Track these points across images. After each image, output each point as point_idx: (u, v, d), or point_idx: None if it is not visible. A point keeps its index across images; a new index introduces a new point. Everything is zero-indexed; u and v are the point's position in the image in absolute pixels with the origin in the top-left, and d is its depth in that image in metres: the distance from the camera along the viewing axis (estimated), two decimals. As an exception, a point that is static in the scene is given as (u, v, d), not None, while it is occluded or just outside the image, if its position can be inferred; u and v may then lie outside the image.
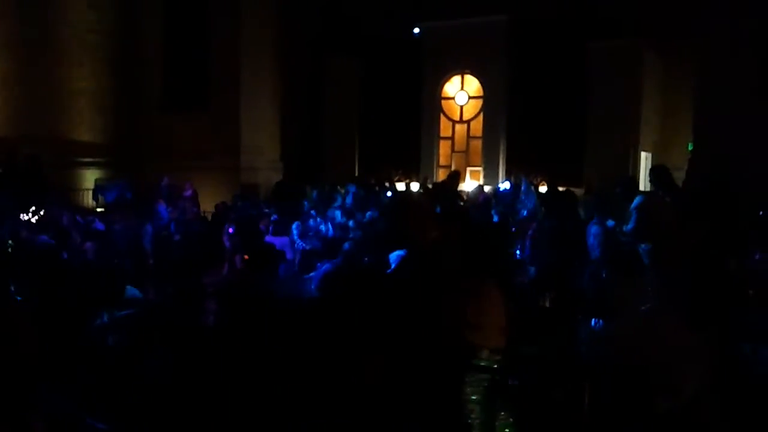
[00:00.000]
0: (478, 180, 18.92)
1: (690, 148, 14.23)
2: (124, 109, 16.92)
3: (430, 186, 15.38)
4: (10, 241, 8.78)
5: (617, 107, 17.64)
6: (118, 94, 16.83)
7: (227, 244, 9.32)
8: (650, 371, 3.54)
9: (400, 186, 17.53)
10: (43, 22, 14.94)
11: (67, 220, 10.09)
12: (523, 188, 14.05)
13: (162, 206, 12.54)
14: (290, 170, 18.37)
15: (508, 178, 16.81)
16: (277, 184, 16.93)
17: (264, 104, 17.72)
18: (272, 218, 11.07)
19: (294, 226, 10.72)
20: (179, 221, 11.70)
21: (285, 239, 10.04)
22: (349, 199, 13.57)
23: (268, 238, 9.97)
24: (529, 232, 9.76)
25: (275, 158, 18.32)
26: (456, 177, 12.66)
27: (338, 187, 15.11)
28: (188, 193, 14.40)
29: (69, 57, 15.67)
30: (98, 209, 13.88)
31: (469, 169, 19.96)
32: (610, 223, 7.20)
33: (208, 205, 13.91)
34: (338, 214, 11.78)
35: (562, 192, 13.57)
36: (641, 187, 15.73)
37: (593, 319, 5.81)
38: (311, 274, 8.22)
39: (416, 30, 19.93)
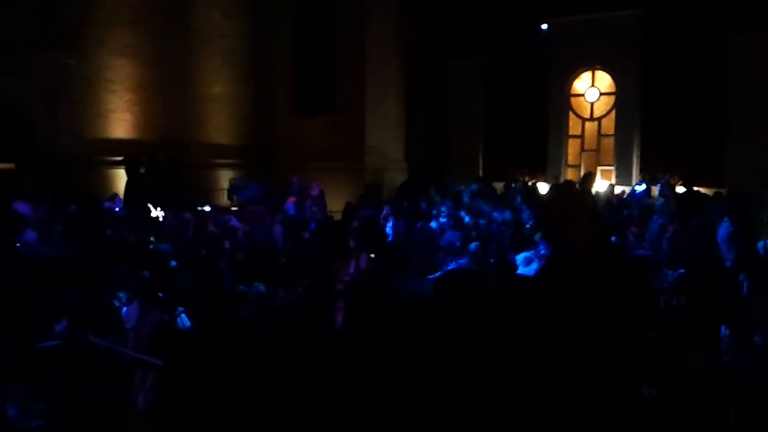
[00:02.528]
0: (610, 180, 18.16)
1: None
2: (256, 113, 17.59)
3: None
4: (152, 238, 9.34)
5: (762, 103, 16.34)
6: (250, 98, 17.52)
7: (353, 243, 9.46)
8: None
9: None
10: (181, 30, 15.81)
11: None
12: (658, 189, 13.39)
13: (291, 205, 12.94)
14: (415, 171, 18.42)
15: (643, 179, 16.00)
16: (402, 184, 17.04)
17: (389, 106, 17.89)
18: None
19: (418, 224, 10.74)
20: (308, 221, 12.02)
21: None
22: (467, 199, 13.42)
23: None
24: (667, 235, 9.26)
25: (400, 159, 18.45)
26: (589, 178, 12.24)
27: (461, 186, 14.97)
28: (315, 192, 14.75)
29: (205, 63, 16.51)
30: (233, 208, 14.48)
31: (600, 168, 19.20)
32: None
33: (333, 205, 14.18)
34: (462, 213, 11.65)
35: (701, 193, 12.83)
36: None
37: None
38: (436, 274, 8.17)
39: (544, 26, 19.42)
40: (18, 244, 8.39)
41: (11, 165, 14.50)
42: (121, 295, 5.97)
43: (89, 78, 14.76)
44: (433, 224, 10.60)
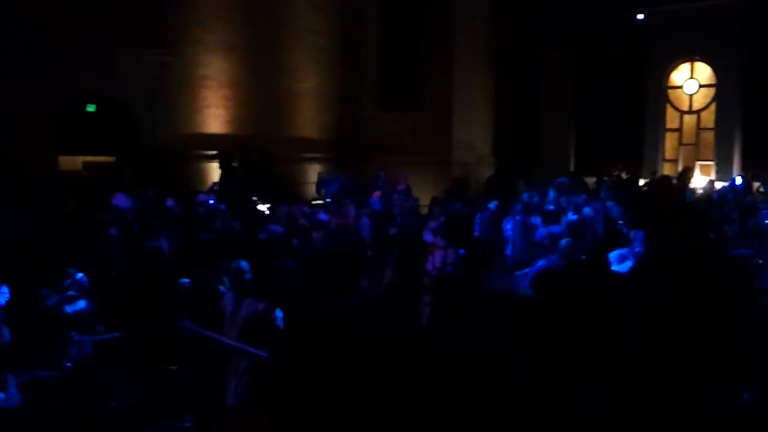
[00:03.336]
0: (709, 175, 17.39)
1: None
2: (344, 108, 17.80)
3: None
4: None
5: None
6: (339, 93, 17.74)
7: (429, 238, 9.44)
8: None
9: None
10: (273, 27, 16.17)
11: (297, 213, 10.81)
12: (758, 185, 12.75)
13: (377, 199, 13.01)
14: (502, 165, 18.19)
15: (743, 175, 15.22)
16: (488, 178, 16.87)
17: (477, 100, 17.73)
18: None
19: (504, 221, 10.57)
20: (395, 215, 12.05)
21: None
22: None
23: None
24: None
25: (487, 153, 18.25)
26: (687, 173, 11.76)
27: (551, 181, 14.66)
28: (401, 187, 14.77)
29: (296, 59, 16.82)
30: (320, 201, 14.69)
31: (699, 163, 18.42)
32: None
33: (419, 199, 14.16)
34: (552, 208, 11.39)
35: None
36: None
37: None
38: (525, 270, 8.04)
39: (640, 16, 18.76)
40: (116, 234, 8.76)
41: (113, 158, 15.21)
42: (225, 279, 6.16)
43: (186, 75, 15.27)
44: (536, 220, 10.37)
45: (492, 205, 11.49)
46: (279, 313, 5.47)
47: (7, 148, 11.99)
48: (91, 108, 14.42)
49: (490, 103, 18.25)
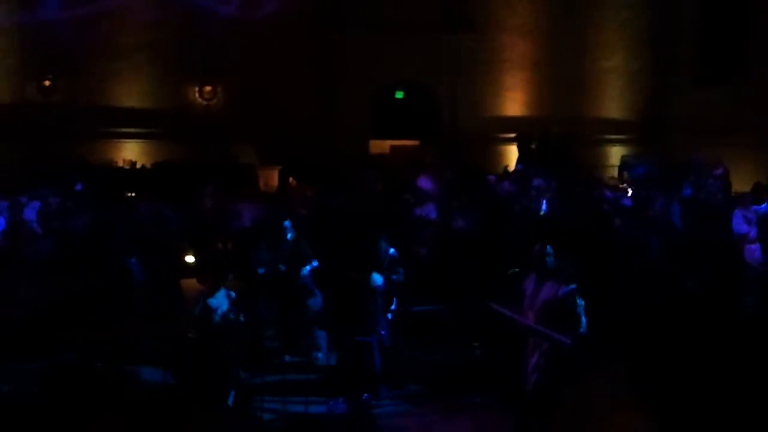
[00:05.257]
0: None
1: None
2: (652, 86, 16.60)
3: None
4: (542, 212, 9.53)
5: None
6: (646, 70, 16.59)
7: (744, 229, 8.40)
8: None
9: None
10: (575, 3, 15.74)
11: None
12: None
13: (689, 184, 12.01)
14: None
15: None
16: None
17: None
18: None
19: None
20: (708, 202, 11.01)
21: None
22: None
23: None
24: None
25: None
26: None
27: None
28: (718, 171, 13.38)
29: (600, 36, 16.13)
30: (622, 185, 13.98)
31: None
32: None
33: (739, 185, 12.68)
34: None
35: None
36: None
37: None
38: None
39: None
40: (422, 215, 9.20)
41: (417, 142, 16.11)
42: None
43: (487, 59, 15.56)
44: None
45: None
46: (580, 302, 5.27)
47: (330, 134, 13.42)
48: (399, 95, 15.45)
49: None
